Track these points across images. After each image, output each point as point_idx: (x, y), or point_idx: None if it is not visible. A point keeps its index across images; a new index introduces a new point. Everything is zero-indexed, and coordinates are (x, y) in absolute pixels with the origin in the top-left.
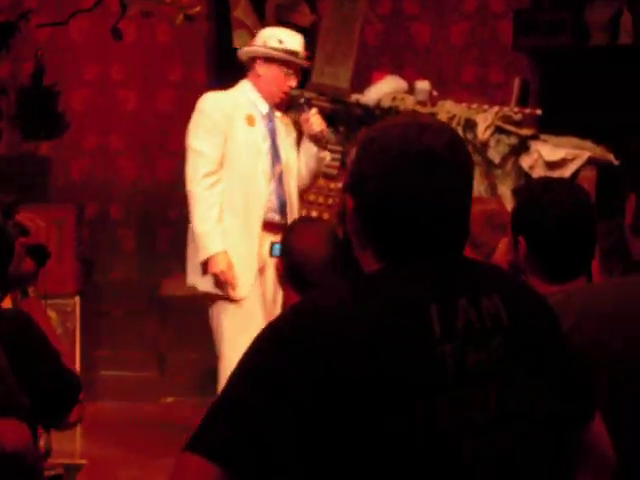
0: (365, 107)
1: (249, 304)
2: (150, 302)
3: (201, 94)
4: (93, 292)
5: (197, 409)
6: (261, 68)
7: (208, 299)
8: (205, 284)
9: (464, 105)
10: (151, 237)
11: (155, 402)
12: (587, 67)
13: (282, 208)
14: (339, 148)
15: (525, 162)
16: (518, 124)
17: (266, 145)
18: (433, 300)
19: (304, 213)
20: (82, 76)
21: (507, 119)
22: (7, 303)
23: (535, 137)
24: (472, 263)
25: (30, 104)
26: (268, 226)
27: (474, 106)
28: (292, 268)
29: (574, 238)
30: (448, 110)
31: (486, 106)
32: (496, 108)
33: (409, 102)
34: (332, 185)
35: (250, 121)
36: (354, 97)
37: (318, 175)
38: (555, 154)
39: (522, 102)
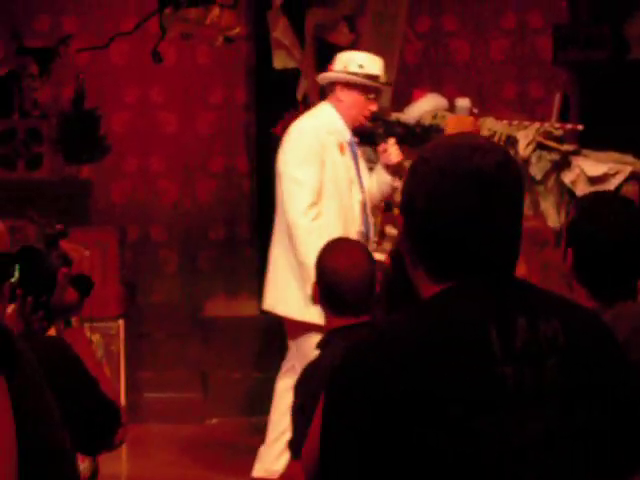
0: (406, 125)
1: None
2: (193, 323)
3: (241, 115)
4: (136, 314)
5: (241, 429)
6: (342, 93)
7: (311, 329)
8: (312, 315)
9: (505, 122)
10: (192, 258)
11: (199, 423)
12: (627, 81)
13: (368, 235)
14: None
15: (567, 178)
16: (559, 140)
17: (353, 173)
18: (492, 321)
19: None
20: (122, 99)
21: (548, 135)
22: (51, 333)
23: (576, 152)
24: (529, 285)
25: (71, 128)
26: None
27: (515, 123)
28: (326, 289)
29: (625, 254)
30: (489, 127)
31: (527, 122)
32: (537, 124)
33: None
34: None
35: (342, 149)
36: (394, 115)
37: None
38: (597, 169)
39: (562, 117)
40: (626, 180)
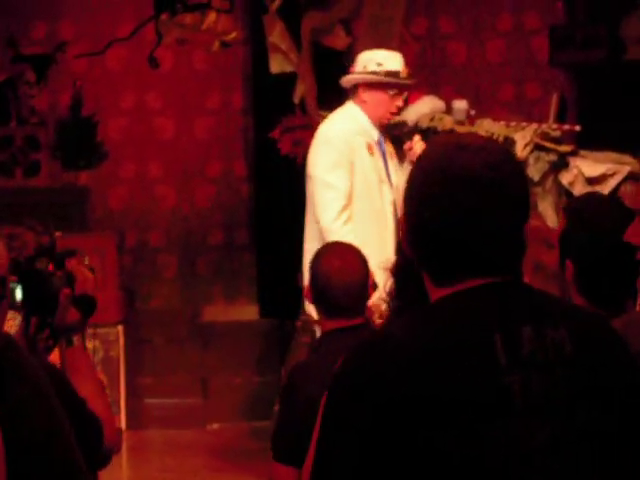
0: (403, 128)
1: None
2: (192, 328)
3: (238, 120)
4: (135, 320)
5: (242, 434)
6: (365, 94)
7: None
8: None
9: (502, 123)
10: (191, 263)
11: (200, 428)
12: (623, 81)
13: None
14: None
15: (565, 179)
16: (557, 140)
17: (383, 173)
18: (497, 329)
19: None
20: (119, 105)
21: (545, 136)
22: (55, 352)
23: (574, 153)
24: (536, 290)
25: (69, 135)
26: None
27: (512, 124)
28: (319, 292)
29: (623, 255)
30: (486, 129)
31: (524, 123)
32: (534, 125)
33: (447, 122)
34: None
35: (370, 149)
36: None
37: None
38: (595, 170)
39: (560, 118)
40: (624, 180)
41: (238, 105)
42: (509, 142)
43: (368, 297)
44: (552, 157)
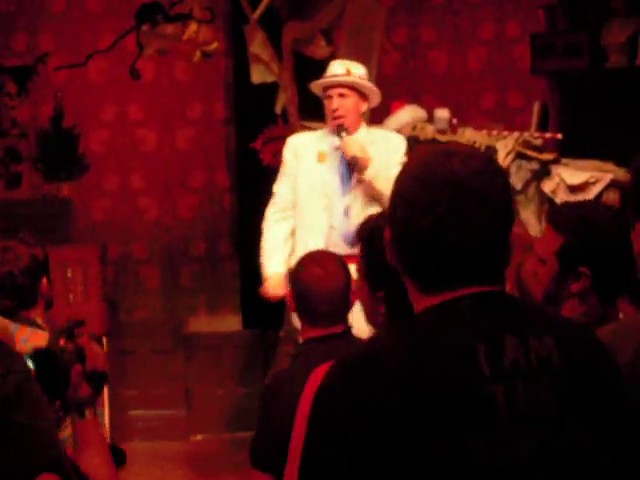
0: None
1: None
2: (176, 340)
3: (220, 130)
4: (118, 332)
5: (226, 446)
6: None
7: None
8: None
9: (484, 132)
10: (174, 275)
11: (184, 440)
12: (605, 89)
13: (349, 240)
14: None
15: (547, 187)
16: (539, 149)
17: (336, 179)
18: (480, 339)
19: None
20: (101, 117)
21: (527, 144)
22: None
23: (556, 161)
24: (520, 301)
25: (50, 146)
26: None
27: (494, 133)
28: (300, 299)
29: (625, 261)
30: (468, 138)
31: (506, 132)
32: (516, 134)
33: (429, 131)
34: None
35: (320, 157)
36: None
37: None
38: (577, 177)
39: (542, 126)
40: (606, 188)
41: (220, 115)
42: (491, 151)
43: (350, 305)
44: (534, 165)
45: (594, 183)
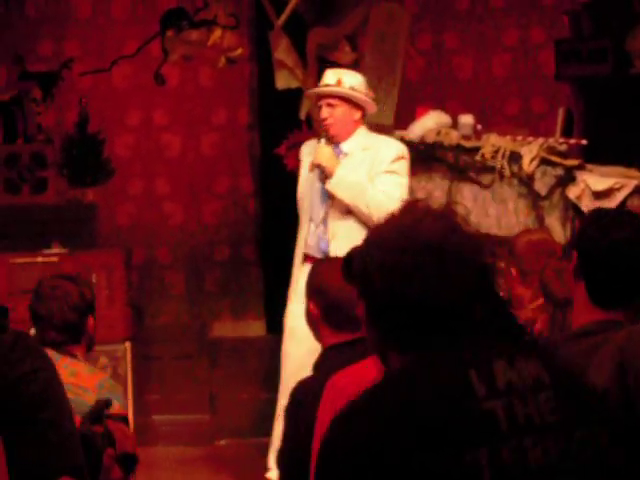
0: (409, 143)
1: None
2: (200, 344)
3: (245, 136)
4: (143, 337)
5: (250, 450)
6: None
7: None
8: None
9: (508, 137)
10: (199, 280)
11: (208, 445)
12: (629, 94)
13: (324, 248)
14: None
15: (572, 193)
16: (563, 155)
17: (318, 187)
18: (471, 368)
19: None
20: (126, 122)
21: (552, 150)
22: None
23: (581, 167)
24: (502, 327)
25: (75, 152)
26: (309, 259)
27: (519, 138)
28: (329, 307)
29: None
30: (493, 143)
31: (531, 138)
32: (541, 140)
33: (453, 137)
34: None
35: (311, 167)
36: (398, 133)
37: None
38: (602, 184)
39: (566, 132)
40: (631, 194)
41: (244, 121)
42: (516, 156)
43: None
44: (559, 171)
45: (619, 189)
